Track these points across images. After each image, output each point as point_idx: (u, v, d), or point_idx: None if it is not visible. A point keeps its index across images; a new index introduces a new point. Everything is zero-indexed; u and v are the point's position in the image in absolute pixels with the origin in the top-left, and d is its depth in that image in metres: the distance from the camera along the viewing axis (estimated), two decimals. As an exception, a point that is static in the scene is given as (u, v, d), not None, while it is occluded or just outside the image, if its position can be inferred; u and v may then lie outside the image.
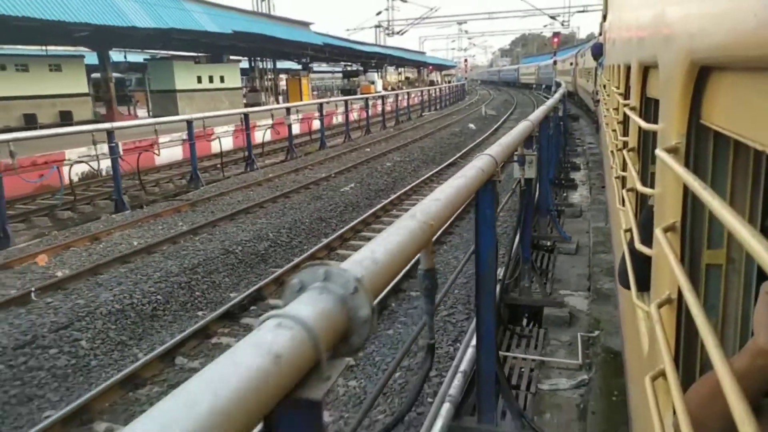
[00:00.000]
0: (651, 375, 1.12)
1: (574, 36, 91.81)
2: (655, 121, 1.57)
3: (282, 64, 40.49)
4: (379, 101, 28.71)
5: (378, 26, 51.90)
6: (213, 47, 26.02)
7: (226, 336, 5.88)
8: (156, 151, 15.34)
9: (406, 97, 33.41)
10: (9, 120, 17.59)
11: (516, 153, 5.05)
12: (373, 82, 43.50)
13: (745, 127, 0.82)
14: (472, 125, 26.74)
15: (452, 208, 1.85)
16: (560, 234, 8.34)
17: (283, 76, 40.92)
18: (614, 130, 4.03)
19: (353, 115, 26.02)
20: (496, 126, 26.75)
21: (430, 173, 14.49)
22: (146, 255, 8.26)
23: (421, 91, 39.86)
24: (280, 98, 35.99)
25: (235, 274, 7.43)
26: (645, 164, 2.51)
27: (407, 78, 66.96)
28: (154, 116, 23.71)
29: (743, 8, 0.70)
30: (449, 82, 72.76)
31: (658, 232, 1.19)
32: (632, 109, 2.45)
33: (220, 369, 0.71)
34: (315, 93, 46.09)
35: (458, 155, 17.60)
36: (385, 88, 44.46)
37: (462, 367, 3.97)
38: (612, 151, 4.19)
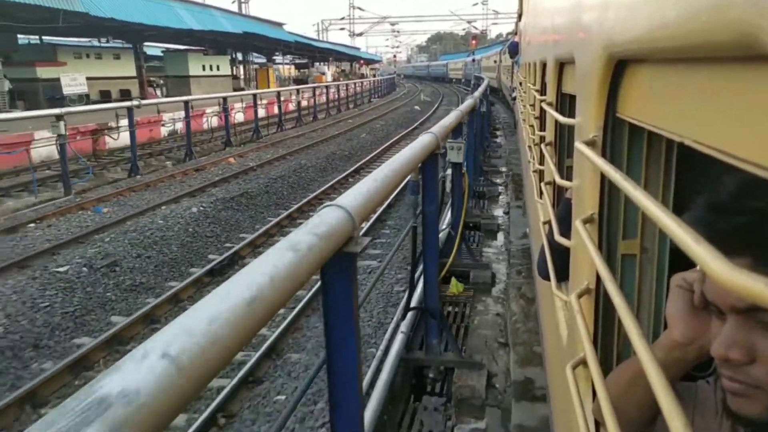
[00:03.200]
0: (572, 363, 1.16)
1: (486, 36, 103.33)
2: (572, 116, 1.62)
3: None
4: (344, 88, 36.52)
5: (342, 29, 59.47)
6: (211, 42, 32.64)
7: (357, 178, 13.67)
8: (204, 119, 22.40)
9: (360, 85, 41.41)
10: (91, 95, 23.81)
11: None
12: (323, 73, 51.00)
13: (658, 118, 0.85)
14: (417, 107, 35.28)
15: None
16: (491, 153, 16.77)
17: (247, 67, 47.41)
18: (531, 126, 4.17)
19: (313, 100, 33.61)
20: (434, 108, 35.34)
21: (405, 131, 22.64)
22: (283, 160, 15.79)
23: (371, 81, 47.97)
24: (252, 84, 42.72)
25: (344, 161, 15.29)
26: (561, 158, 2.57)
27: (343, 70, 74.71)
28: (168, 96, 30.07)
29: (660, 0, 0.72)
30: (374, 75, 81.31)
31: (577, 224, 1.23)
32: (549, 104, 2.54)
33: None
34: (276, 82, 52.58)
35: (417, 123, 25.89)
36: (334, 79, 52.04)
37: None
38: (529, 146, 4.42)
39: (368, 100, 43.94)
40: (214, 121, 23.21)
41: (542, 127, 3.16)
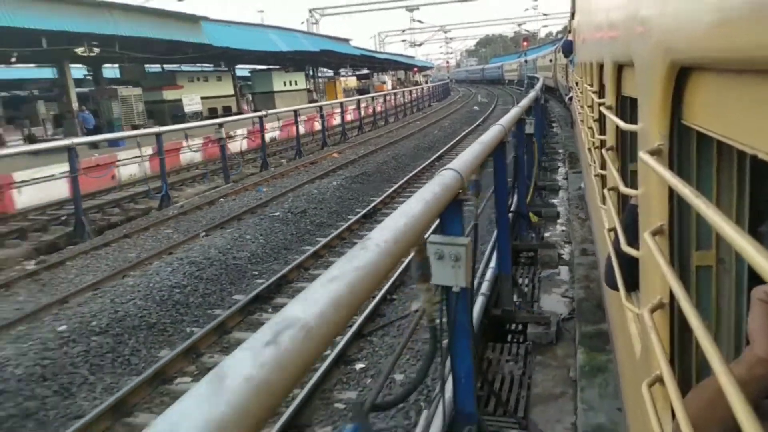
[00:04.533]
0: (648, 381, 1.11)
1: (536, 37, 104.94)
2: (633, 121, 1.56)
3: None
4: (408, 94, 40.05)
5: (404, 41, 63.68)
6: (290, 61, 36.87)
7: (442, 162, 16.96)
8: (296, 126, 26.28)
9: (421, 92, 44.94)
10: (203, 111, 28.24)
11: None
12: (384, 82, 54.82)
13: (728, 128, 0.82)
14: (476, 107, 38.38)
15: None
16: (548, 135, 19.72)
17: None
18: (590, 128, 4.07)
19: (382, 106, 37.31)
20: (491, 109, 38.29)
21: (470, 128, 25.80)
22: (376, 153, 19.28)
23: (430, 87, 51.44)
24: (322, 96, 46.92)
25: (427, 151, 18.66)
26: (625, 163, 2.47)
27: (399, 78, 78.60)
28: (256, 111, 34.37)
29: (725, 7, 0.69)
30: (426, 81, 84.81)
31: (646, 236, 1.17)
32: (608, 108, 2.47)
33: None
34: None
35: (479, 120, 29.00)
36: (393, 87, 55.74)
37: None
38: (589, 149, 4.31)
39: (428, 104, 47.35)
40: (302, 128, 27.24)
41: (602, 131, 3.09)
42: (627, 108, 2.28)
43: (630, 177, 2.34)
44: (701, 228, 1.16)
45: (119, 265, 8.46)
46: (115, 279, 7.79)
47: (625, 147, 2.45)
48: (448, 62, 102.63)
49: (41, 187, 13.46)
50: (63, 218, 12.08)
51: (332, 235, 9.28)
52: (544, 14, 68.97)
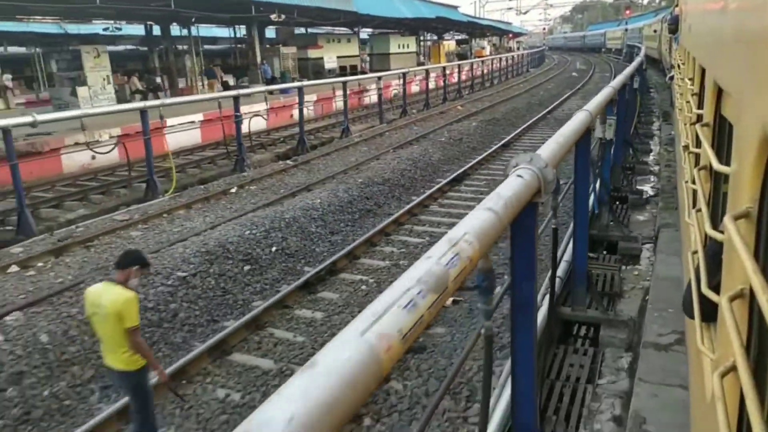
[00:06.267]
0: (721, 371, 1.08)
1: (638, 4, 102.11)
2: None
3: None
4: (511, 59, 43.02)
5: (510, 8, 66.00)
6: (405, 26, 40.79)
7: (548, 120, 20.56)
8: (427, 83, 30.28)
9: (521, 57, 47.70)
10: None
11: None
12: (483, 48, 57.58)
13: None
14: (574, 74, 40.87)
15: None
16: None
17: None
18: (686, 125, 3.92)
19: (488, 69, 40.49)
20: (589, 75, 40.58)
21: (571, 92, 28.86)
22: (494, 107, 23.05)
23: (529, 54, 53.99)
24: (426, 59, 50.62)
25: (538, 106, 22.27)
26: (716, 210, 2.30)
27: (494, 44, 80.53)
28: (373, 71, 38.74)
29: None
30: (518, 48, 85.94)
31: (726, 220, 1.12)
32: (705, 125, 2.34)
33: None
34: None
35: (579, 86, 31.85)
36: (490, 53, 58.37)
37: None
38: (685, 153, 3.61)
39: (526, 70, 49.92)
40: (416, 87, 31.42)
41: (697, 143, 2.80)
42: (725, 128, 2.06)
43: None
44: None
45: (347, 164, 13.06)
46: (352, 170, 12.37)
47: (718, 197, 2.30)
48: (545, 28, 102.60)
49: (256, 119, 18.46)
50: (281, 140, 17.02)
51: (485, 154, 13.46)
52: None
